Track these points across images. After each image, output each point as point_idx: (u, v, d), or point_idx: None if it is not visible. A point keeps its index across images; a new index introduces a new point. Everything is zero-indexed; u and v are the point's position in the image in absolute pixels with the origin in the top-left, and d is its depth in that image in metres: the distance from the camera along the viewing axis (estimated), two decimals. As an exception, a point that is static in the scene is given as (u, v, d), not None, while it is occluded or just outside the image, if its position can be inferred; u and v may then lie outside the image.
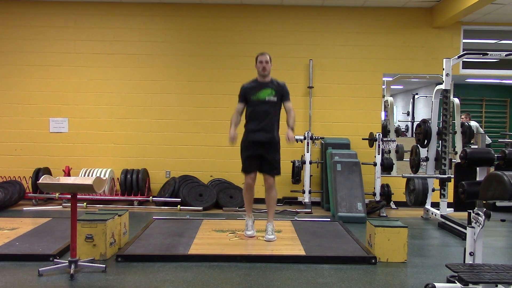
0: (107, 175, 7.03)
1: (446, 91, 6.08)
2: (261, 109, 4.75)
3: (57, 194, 6.84)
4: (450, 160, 6.15)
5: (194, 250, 4.38)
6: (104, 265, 3.84)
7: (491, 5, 6.46)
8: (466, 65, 7.55)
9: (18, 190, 6.83)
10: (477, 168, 3.68)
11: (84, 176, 6.94)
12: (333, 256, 4.28)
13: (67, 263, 3.70)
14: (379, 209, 6.64)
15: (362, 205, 6.25)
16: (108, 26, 7.37)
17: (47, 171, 7.05)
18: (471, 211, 3.37)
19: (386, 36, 7.43)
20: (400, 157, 7.76)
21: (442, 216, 5.93)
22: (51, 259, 4.02)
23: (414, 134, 7.46)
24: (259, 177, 4.92)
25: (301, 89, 7.42)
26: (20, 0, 7.33)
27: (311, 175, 7.03)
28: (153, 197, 6.99)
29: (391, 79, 7.86)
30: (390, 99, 7.97)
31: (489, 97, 12.91)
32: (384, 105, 7.97)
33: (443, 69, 6.08)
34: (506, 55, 5.95)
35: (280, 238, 4.88)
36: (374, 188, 6.95)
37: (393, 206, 7.20)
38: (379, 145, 6.93)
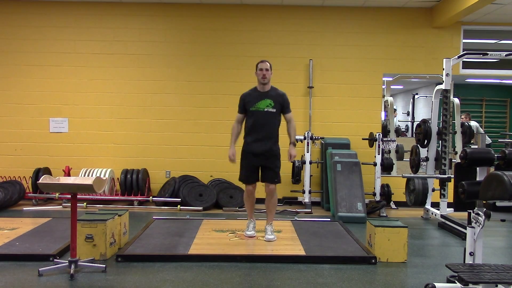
0: (107, 175, 7.03)
1: (446, 91, 6.08)
2: (261, 120, 4.72)
3: (57, 194, 6.84)
4: (450, 160, 6.14)
5: (194, 250, 4.38)
6: (104, 265, 3.84)
7: (491, 5, 6.45)
8: (466, 65, 7.55)
9: (18, 190, 6.83)
10: (477, 168, 3.68)
11: (84, 176, 6.94)
12: (333, 256, 4.28)
13: (67, 263, 3.71)
14: (379, 209, 6.64)
15: (362, 205, 6.25)
16: (108, 26, 7.38)
17: (47, 171, 7.05)
18: (471, 211, 3.37)
19: (386, 36, 7.43)
20: (400, 157, 7.76)
21: (442, 216, 5.93)
22: (51, 259, 4.03)
23: (414, 134, 7.46)
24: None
25: (301, 89, 7.42)
26: (20, 0, 7.33)
27: (311, 175, 7.03)
28: (153, 197, 6.99)
29: (391, 79, 7.85)
30: (390, 99, 7.97)
31: (489, 97, 12.90)
32: (384, 105, 7.96)
33: (443, 69, 6.08)
34: (506, 55, 5.95)
35: (280, 238, 4.88)
36: (374, 188, 6.95)
37: (393, 206, 7.20)
38: (379, 145, 6.93)
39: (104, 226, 4.12)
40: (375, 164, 6.95)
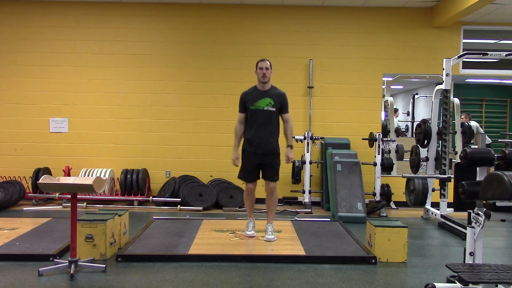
0: (107, 175, 7.03)
1: (446, 91, 6.08)
2: (260, 119, 4.72)
3: (57, 194, 6.84)
4: (450, 160, 6.14)
5: (194, 250, 4.38)
6: (104, 265, 3.84)
7: (491, 5, 6.45)
8: (466, 65, 7.55)
9: (18, 190, 6.83)
10: (477, 168, 3.68)
11: (84, 176, 6.94)
12: (333, 256, 4.28)
13: (67, 263, 3.71)
14: (379, 209, 6.64)
15: (362, 205, 6.25)
16: (108, 26, 7.38)
17: (47, 171, 7.05)
18: (471, 211, 3.37)
19: (386, 36, 7.43)
20: (400, 157, 7.76)
21: (442, 216, 5.93)
22: (51, 259, 4.03)
23: (414, 134, 7.46)
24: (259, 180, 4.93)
25: (301, 89, 7.42)
26: (20, 0, 7.33)
27: (311, 175, 7.03)
28: (153, 197, 6.99)
29: (391, 79, 7.85)
30: (390, 99, 7.97)
31: (489, 97, 12.90)
32: (384, 105, 7.96)
33: (443, 69, 6.08)
34: (506, 55, 5.95)
35: (280, 238, 4.88)
36: (374, 188, 6.95)
37: (393, 206, 7.20)
38: (379, 145, 6.93)
39: (104, 226, 4.12)
40: (375, 164, 6.95)
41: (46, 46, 7.37)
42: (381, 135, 7.01)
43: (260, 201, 5.77)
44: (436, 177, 6.25)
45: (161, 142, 7.43)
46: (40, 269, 3.71)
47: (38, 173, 6.90)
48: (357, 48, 7.45)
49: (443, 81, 6.09)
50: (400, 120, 13.57)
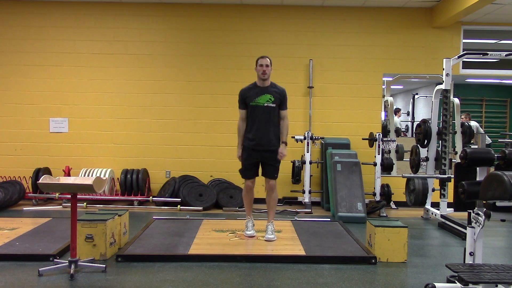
0: (107, 175, 7.03)
1: (446, 91, 6.08)
2: (260, 115, 4.72)
3: (57, 194, 6.84)
4: (450, 160, 6.14)
5: (194, 250, 4.38)
6: (104, 265, 3.84)
7: (491, 5, 6.45)
8: (466, 65, 7.55)
9: (18, 190, 6.83)
10: (477, 168, 3.68)
11: (84, 176, 6.94)
12: (333, 256, 4.28)
13: (67, 263, 3.71)
14: (379, 209, 6.64)
15: (362, 205, 6.25)
16: (108, 26, 7.38)
17: (47, 171, 7.05)
18: (471, 211, 3.37)
19: (386, 36, 7.43)
20: (400, 157, 7.76)
21: (442, 216, 5.93)
22: (51, 259, 4.03)
23: (414, 134, 7.46)
24: (259, 178, 4.93)
25: (301, 89, 7.42)
26: (20, 0, 7.33)
27: (311, 175, 7.03)
28: (153, 197, 6.99)
29: (391, 79, 7.85)
30: (390, 99, 7.97)
31: (489, 97, 12.90)
32: (384, 105, 7.96)
33: (443, 69, 6.08)
34: (506, 55, 5.95)
35: (280, 238, 4.88)
36: (374, 188, 6.95)
37: (393, 206, 7.20)
38: (379, 145, 6.93)
39: (104, 226, 4.12)
40: (375, 164, 6.95)
41: (46, 46, 7.37)
42: (381, 135, 7.01)
43: (260, 201, 5.78)
44: (436, 177, 6.25)
45: (161, 142, 7.43)
46: (40, 269, 3.71)
47: (38, 173, 6.90)
48: (357, 48, 7.45)
49: (443, 81, 6.09)
50: (401, 120, 13.57)
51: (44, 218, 5.73)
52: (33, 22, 7.35)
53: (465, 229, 3.71)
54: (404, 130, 12.52)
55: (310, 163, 6.96)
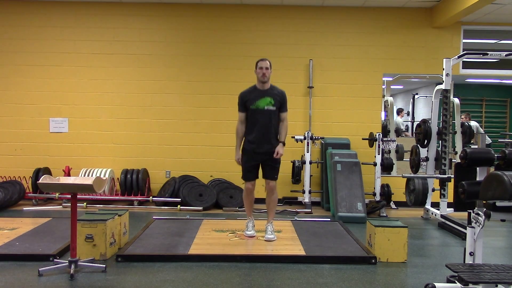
0: (107, 175, 7.03)
1: (446, 91, 6.08)
2: (260, 118, 4.71)
3: (57, 194, 6.84)
4: (450, 160, 6.14)
5: (194, 250, 4.38)
6: (104, 265, 3.84)
7: (491, 5, 6.45)
8: (466, 65, 7.55)
9: (18, 190, 6.83)
10: (477, 168, 3.68)
11: (84, 176, 6.94)
12: (333, 256, 4.28)
13: (67, 263, 3.71)
14: (379, 209, 6.64)
15: (362, 205, 6.25)
16: (108, 26, 7.38)
17: (47, 171, 7.05)
18: (471, 211, 3.37)
19: (386, 36, 7.43)
20: (400, 157, 7.76)
21: (442, 216, 5.93)
22: (51, 259, 4.03)
23: (414, 134, 7.46)
24: (259, 178, 4.93)
25: (301, 89, 7.42)
26: (20, 0, 7.33)
27: (311, 175, 7.03)
28: (153, 197, 6.98)
29: (391, 79, 7.85)
30: (390, 99, 7.97)
31: (489, 97, 12.91)
32: (384, 105, 7.96)
33: (443, 69, 6.08)
34: (506, 55, 5.95)
35: (280, 238, 4.88)
36: (374, 188, 6.95)
37: (393, 206, 7.20)
38: (379, 145, 6.93)
39: (104, 226, 4.12)
40: (375, 164, 6.95)
41: (46, 46, 7.37)
42: (381, 135, 7.01)
43: (260, 201, 5.78)
44: (436, 177, 6.25)
45: (161, 142, 7.43)
46: (40, 269, 3.71)
47: (38, 173, 6.90)
48: (357, 48, 7.45)
49: (443, 81, 6.09)
50: (404, 120, 13.57)
51: (44, 218, 5.73)
52: (33, 22, 7.35)
53: (465, 229, 3.71)
54: (404, 130, 12.53)
55: (310, 163, 6.96)
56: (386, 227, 4.27)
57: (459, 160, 3.85)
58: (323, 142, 7.26)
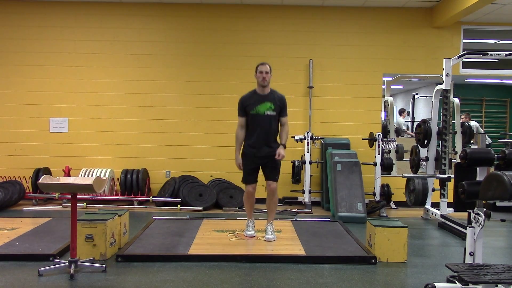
0: (107, 175, 7.03)
1: (446, 91, 6.08)
2: (261, 123, 4.71)
3: (57, 194, 6.84)
4: (450, 160, 6.14)
5: (194, 250, 4.38)
6: (104, 265, 3.84)
7: (491, 5, 6.45)
8: (466, 65, 7.55)
9: (18, 190, 6.83)
10: (477, 168, 3.68)
11: (84, 176, 6.94)
12: (333, 256, 4.28)
13: (67, 263, 3.71)
14: (379, 209, 6.64)
15: (362, 205, 6.25)
16: (108, 26, 7.37)
17: (47, 171, 7.05)
18: (471, 211, 3.37)
19: (386, 36, 7.43)
20: (400, 157, 7.76)
21: (442, 216, 5.93)
22: (51, 259, 4.03)
23: (414, 134, 7.46)
24: (259, 178, 4.93)
25: (301, 89, 7.42)
26: (20, 0, 7.33)
27: (311, 175, 7.03)
28: (153, 197, 6.98)
29: (391, 79, 7.85)
30: (390, 99, 7.97)
31: (489, 97, 12.91)
32: (384, 105, 7.96)
33: (443, 69, 6.08)
34: (506, 55, 5.95)
35: (280, 238, 4.88)
36: (374, 188, 6.95)
37: (393, 206, 7.20)
38: (379, 145, 6.93)
39: (104, 226, 4.11)
40: (375, 164, 6.95)
41: (46, 46, 7.37)
42: (381, 135, 7.01)
43: (260, 201, 5.77)
44: (436, 177, 6.25)
45: (161, 142, 7.43)
46: (40, 269, 3.71)
47: (38, 173, 6.90)
48: (357, 48, 7.45)
49: (443, 81, 6.09)
50: (406, 121, 13.57)
51: (44, 218, 5.73)
52: (33, 22, 7.35)
53: (465, 229, 3.71)
54: (405, 130, 12.53)
55: (310, 163, 6.96)
56: (386, 227, 4.28)
57: (459, 160, 3.85)
58: (323, 142, 7.26)
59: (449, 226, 5.66)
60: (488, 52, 6.02)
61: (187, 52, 7.44)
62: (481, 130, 9.68)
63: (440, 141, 6.23)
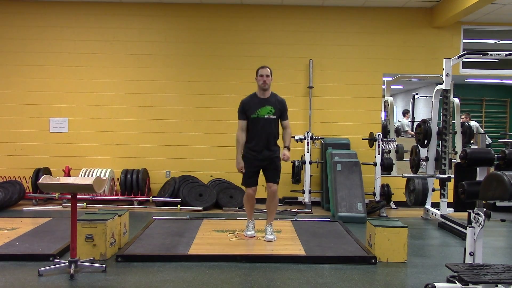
0: (107, 175, 7.03)
1: (446, 91, 6.08)
2: (261, 127, 4.72)
3: (57, 194, 6.84)
4: (450, 160, 6.14)
5: (194, 250, 4.38)
6: (104, 265, 3.84)
7: (491, 5, 6.45)
8: (466, 65, 7.55)
9: (18, 190, 6.83)
10: (477, 168, 3.68)
11: (84, 176, 6.94)
12: (333, 256, 4.28)
13: (67, 263, 3.71)
14: (379, 209, 6.64)
15: (362, 205, 6.25)
16: (108, 26, 7.37)
17: (47, 171, 7.05)
18: (471, 211, 3.37)
19: (386, 36, 7.43)
20: (400, 157, 7.76)
21: (442, 216, 5.93)
22: (51, 259, 4.03)
23: (414, 134, 7.47)
24: (259, 178, 4.93)
25: (301, 89, 7.42)
26: (20, 0, 7.33)
27: (311, 175, 7.03)
28: (153, 197, 6.98)
29: (391, 79, 7.85)
30: (390, 99, 7.97)
31: (489, 97, 12.90)
32: (384, 105, 7.96)
33: (443, 69, 6.08)
34: (506, 55, 5.95)
35: (280, 238, 4.88)
36: (374, 188, 6.95)
37: (393, 206, 7.20)
38: (379, 145, 6.93)
39: (104, 226, 4.11)
40: (375, 164, 6.95)
41: (46, 46, 7.37)
42: (381, 135, 7.01)
43: (260, 201, 5.77)
44: (436, 177, 6.25)
45: (161, 142, 7.43)
46: (40, 269, 3.71)
47: (38, 173, 6.90)
48: (357, 48, 7.45)
49: (443, 81, 6.09)
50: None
51: (44, 218, 5.73)
52: (33, 22, 7.35)
53: (465, 229, 3.71)
54: (404, 130, 12.54)
55: (310, 163, 6.96)
56: (386, 227, 4.28)
57: (459, 160, 3.85)
58: (323, 142, 7.26)
59: (449, 226, 5.66)
60: (488, 52, 6.02)
61: (187, 52, 7.44)
62: (481, 130, 9.68)
63: (440, 141, 6.23)
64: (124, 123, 7.40)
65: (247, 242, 4.77)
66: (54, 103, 7.38)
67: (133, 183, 6.97)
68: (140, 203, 6.98)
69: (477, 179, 3.63)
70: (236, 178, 6.34)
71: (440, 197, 6.12)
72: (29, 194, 6.96)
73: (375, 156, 6.96)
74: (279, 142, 4.86)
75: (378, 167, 6.94)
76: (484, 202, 3.18)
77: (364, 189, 6.55)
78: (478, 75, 8.61)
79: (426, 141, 6.45)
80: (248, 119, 4.76)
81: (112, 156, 7.39)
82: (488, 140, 9.25)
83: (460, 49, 7.38)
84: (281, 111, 4.80)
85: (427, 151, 6.50)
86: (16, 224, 5.32)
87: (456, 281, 3.20)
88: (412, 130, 11.62)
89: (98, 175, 6.90)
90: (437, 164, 6.36)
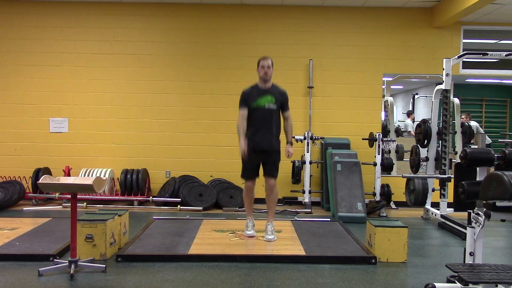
0: (107, 175, 7.03)
1: (446, 91, 6.08)
2: (261, 116, 4.72)
3: (57, 194, 6.84)
4: (450, 160, 6.14)
5: (194, 250, 4.38)
6: (104, 265, 3.84)
7: (491, 5, 6.45)
8: (466, 65, 7.55)
9: (18, 190, 6.83)
10: (477, 168, 3.68)
11: (84, 176, 6.94)
12: (333, 256, 4.28)
13: (67, 263, 3.71)
14: (379, 209, 6.64)
15: (362, 205, 6.25)
16: (108, 26, 7.37)
17: (47, 171, 7.05)
18: (471, 211, 3.37)
19: (386, 36, 7.43)
20: (400, 157, 7.76)
21: (442, 216, 5.93)
22: (51, 259, 4.03)
23: (414, 134, 7.46)
24: (259, 178, 4.93)
25: (301, 89, 7.42)
26: (20, 0, 7.33)
27: (311, 175, 7.03)
28: (153, 197, 6.98)
29: (391, 79, 7.85)
30: (390, 99, 7.97)
31: (489, 97, 12.91)
32: (384, 105, 7.97)
33: (443, 69, 6.08)
34: (506, 55, 5.95)
35: (280, 238, 4.88)
36: (374, 188, 6.95)
37: (393, 206, 7.20)
38: (379, 145, 6.93)
39: (104, 226, 4.11)
40: (375, 164, 6.95)
41: (46, 46, 7.37)
42: (381, 135, 7.01)
43: (260, 201, 5.77)
44: (436, 177, 6.25)
45: (161, 142, 7.43)
46: (40, 269, 3.71)
47: (38, 173, 6.90)
48: (357, 48, 7.44)
49: (443, 81, 6.09)
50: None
51: (44, 218, 5.73)
52: (33, 22, 7.35)
53: (465, 229, 3.71)
54: (409, 131, 12.54)
55: (310, 163, 6.96)
56: (386, 227, 4.28)
57: (459, 160, 3.85)
58: (323, 142, 7.27)
59: (449, 226, 5.66)
60: (488, 52, 6.02)
61: (187, 52, 7.44)
62: (481, 130, 9.68)
63: (440, 141, 6.23)
64: (124, 123, 7.40)
65: (247, 242, 4.77)
66: (54, 103, 7.38)
67: (133, 183, 6.97)
68: (140, 203, 6.98)
69: (477, 179, 3.63)
70: (236, 178, 6.35)
71: (440, 197, 6.12)
72: (29, 194, 6.96)
73: (375, 156, 6.96)
74: (281, 137, 4.85)
75: (378, 167, 6.94)
76: (484, 202, 3.18)
77: (364, 189, 6.55)
78: (478, 75, 8.61)
79: (426, 141, 6.45)
80: (248, 108, 4.75)
81: (112, 156, 7.39)
82: (488, 140, 9.25)
83: (460, 49, 7.38)
84: (282, 101, 4.80)
85: (427, 151, 6.50)
86: (16, 224, 5.32)
87: (456, 281, 3.20)
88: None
89: (98, 175, 6.90)
90: (437, 164, 6.36)
